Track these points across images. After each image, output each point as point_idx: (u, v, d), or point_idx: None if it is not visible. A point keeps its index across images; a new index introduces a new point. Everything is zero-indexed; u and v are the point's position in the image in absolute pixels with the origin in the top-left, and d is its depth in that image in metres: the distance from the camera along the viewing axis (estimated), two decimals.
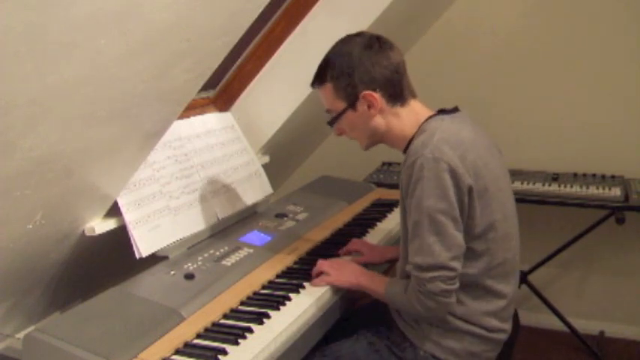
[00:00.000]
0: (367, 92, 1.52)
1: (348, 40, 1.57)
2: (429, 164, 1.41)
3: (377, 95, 1.53)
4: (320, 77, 1.58)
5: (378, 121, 1.56)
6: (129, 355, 1.34)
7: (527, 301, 2.95)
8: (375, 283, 1.61)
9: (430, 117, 1.55)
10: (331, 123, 1.62)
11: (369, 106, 1.54)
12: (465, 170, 1.42)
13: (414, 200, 1.43)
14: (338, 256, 1.91)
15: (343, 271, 1.67)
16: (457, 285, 1.43)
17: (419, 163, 1.42)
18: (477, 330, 1.51)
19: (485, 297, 1.51)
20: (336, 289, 1.69)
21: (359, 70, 1.52)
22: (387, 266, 2.02)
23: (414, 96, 1.60)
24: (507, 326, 1.58)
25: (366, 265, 1.88)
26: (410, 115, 1.57)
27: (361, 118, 1.57)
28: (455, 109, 1.60)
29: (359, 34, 1.58)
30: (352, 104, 1.55)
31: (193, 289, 1.63)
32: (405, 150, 1.57)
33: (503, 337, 1.57)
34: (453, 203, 1.40)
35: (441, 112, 1.59)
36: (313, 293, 1.65)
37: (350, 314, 1.81)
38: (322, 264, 1.70)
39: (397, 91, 1.55)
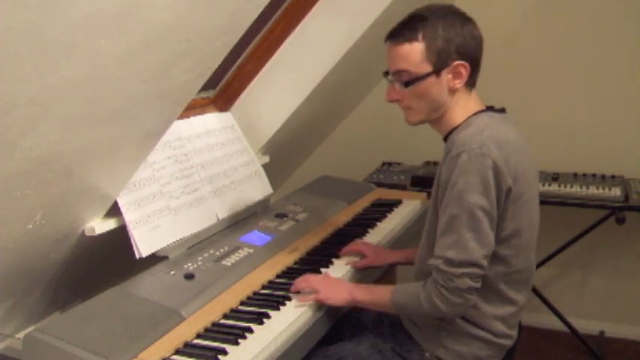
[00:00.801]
0: (460, 63, 1.46)
1: (444, 7, 1.49)
2: (476, 159, 1.38)
3: (468, 68, 1.47)
4: (411, 34, 1.46)
5: (452, 96, 1.49)
6: (129, 355, 1.34)
7: (528, 301, 2.95)
8: (375, 294, 1.57)
9: (480, 111, 1.52)
10: (408, 83, 1.47)
11: (454, 77, 1.47)
12: (508, 171, 1.40)
13: (453, 193, 1.40)
14: (338, 257, 1.90)
15: (334, 289, 1.60)
16: (479, 284, 1.42)
17: (465, 156, 1.39)
18: (484, 334, 1.50)
19: (498, 302, 1.50)
20: None
21: (458, 39, 1.45)
22: (382, 271, 2.00)
23: (475, 87, 1.56)
24: (513, 333, 1.57)
25: (366, 269, 1.88)
26: (467, 103, 1.52)
27: (439, 87, 1.47)
28: (502, 110, 1.58)
29: (450, 6, 1.50)
30: (439, 70, 1.46)
31: (193, 289, 1.63)
32: (445, 138, 1.53)
33: (508, 343, 1.56)
34: (493, 201, 1.39)
35: (489, 108, 1.56)
36: (306, 290, 1.64)
37: (353, 314, 1.80)
38: (311, 281, 1.63)
39: (476, 73, 1.51)
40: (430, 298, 1.43)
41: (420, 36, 1.45)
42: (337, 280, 1.69)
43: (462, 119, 1.51)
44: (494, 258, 1.44)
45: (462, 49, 1.46)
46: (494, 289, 1.48)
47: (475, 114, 1.51)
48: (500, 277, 1.48)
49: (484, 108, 1.55)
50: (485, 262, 1.40)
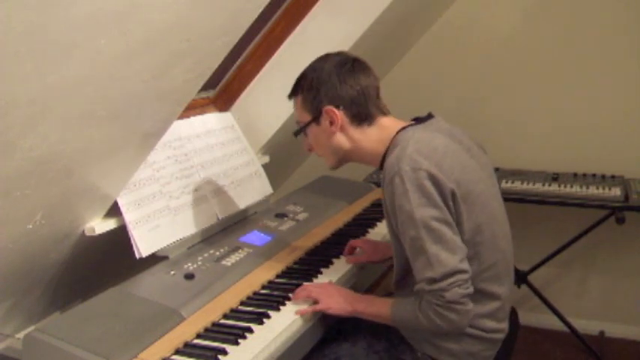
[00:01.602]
0: (329, 108, 1.55)
1: (325, 57, 1.61)
2: (408, 176, 1.40)
3: (339, 113, 1.55)
4: (294, 89, 1.63)
5: (340, 139, 1.58)
6: (129, 355, 1.34)
7: (527, 301, 2.95)
8: (375, 306, 1.57)
9: (402, 129, 1.54)
10: (296, 133, 1.66)
11: (331, 123, 1.56)
12: (445, 176, 1.41)
13: (403, 216, 1.41)
14: (338, 257, 1.90)
15: (335, 298, 1.60)
16: (472, 289, 1.41)
17: (397, 178, 1.41)
18: (474, 331, 1.51)
19: (480, 300, 1.50)
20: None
21: (326, 85, 1.55)
22: (386, 266, 2.01)
23: (385, 114, 1.60)
24: (504, 325, 1.58)
25: (365, 264, 1.89)
26: (379, 132, 1.57)
27: (324, 133, 1.59)
28: (428, 116, 1.59)
29: (338, 54, 1.62)
30: (316, 118, 1.58)
31: (193, 289, 1.63)
32: (381, 166, 1.56)
33: (500, 336, 1.56)
34: (442, 208, 1.40)
35: (416, 119, 1.59)
36: (307, 300, 1.64)
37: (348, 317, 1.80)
38: (311, 290, 1.63)
39: (362, 112, 1.56)
40: (429, 317, 1.42)
41: (299, 90, 1.61)
42: (338, 289, 1.66)
43: (384, 144, 1.55)
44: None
45: (331, 95, 1.55)
46: (475, 290, 1.48)
47: (397, 133, 1.54)
48: (475, 277, 1.47)
49: (408, 123, 1.57)
50: (464, 266, 1.40)
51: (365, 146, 1.58)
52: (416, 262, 1.43)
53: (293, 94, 1.63)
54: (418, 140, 1.47)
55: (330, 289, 1.64)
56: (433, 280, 1.39)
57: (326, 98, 1.55)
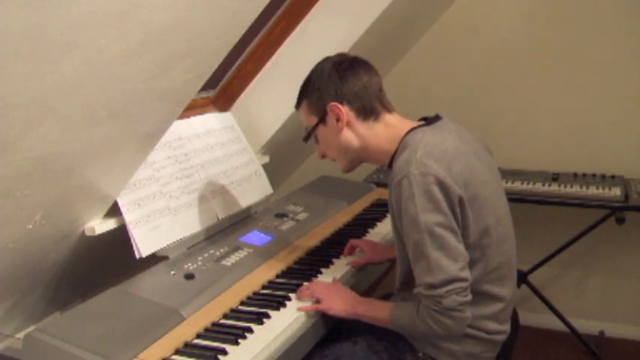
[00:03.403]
0: (333, 104, 1.55)
1: (324, 59, 1.62)
2: (416, 180, 1.39)
3: (343, 108, 1.55)
4: (299, 96, 1.64)
5: (348, 135, 1.58)
6: (129, 355, 1.34)
7: (527, 301, 2.95)
8: (375, 310, 1.57)
9: (411, 129, 1.54)
10: (305, 138, 1.66)
11: (337, 119, 1.56)
12: (453, 181, 1.41)
13: (408, 219, 1.41)
14: (338, 257, 1.90)
15: (337, 299, 1.61)
16: (470, 296, 1.42)
17: (405, 181, 1.41)
18: (476, 333, 1.51)
19: (484, 302, 1.50)
20: None
21: (327, 83, 1.56)
22: (386, 267, 2.01)
23: (389, 111, 1.60)
24: (506, 327, 1.58)
25: (365, 266, 1.88)
26: (387, 130, 1.57)
27: (332, 132, 1.59)
28: (437, 117, 1.59)
29: (337, 55, 1.63)
30: (322, 118, 1.59)
31: (193, 289, 1.63)
32: (390, 165, 1.56)
33: (502, 338, 1.56)
34: (448, 215, 1.40)
35: (424, 119, 1.59)
36: (310, 299, 1.64)
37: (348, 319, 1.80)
38: (315, 289, 1.64)
39: (367, 106, 1.56)
40: (426, 322, 1.43)
41: (303, 95, 1.62)
42: (341, 290, 1.67)
43: (393, 144, 1.55)
44: (470, 263, 1.44)
45: (333, 92, 1.56)
46: (479, 291, 1.48)
47: (407, 134, 1.53)
48: (480, 279, 1.48)
49: (416, 123, 1.57)
50: (465, 274, 1.40)
51: (373, 143, 1.58)
52: (417, 266, 1.43)
53: (299, 102, 1.64)
54: (428, 143, 1.46)
55: (333, 290, 1.65)
56: (432, 286, 1.39)
57: (329, 96, 1.56)
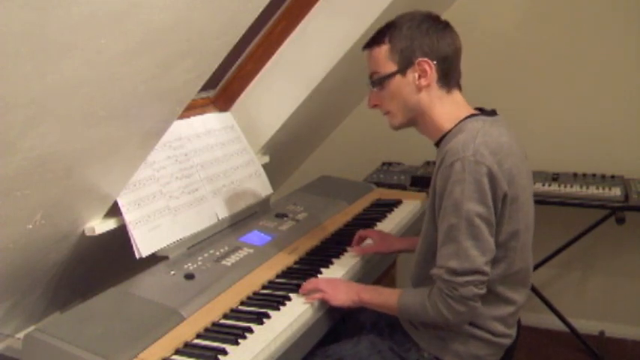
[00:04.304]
0: (424, 59, 1.48)
1: (417, 12, 1.54)
2: (470, 167, 1.38)
3: (433, 66, 1.49)
4: (379, 38, 1.53)
5: (423, 96, 1.51)
6: (129, 355, 1.34)
7: (528, 301, 2.94)
8: (382, 296, 1.57)
9: (470, 115, 1.52)
10: (376, 83, 1.54)
11: (420, 76, 1.50)
12: (503, 176, 1.40)
13: (450, 202, 1.40)
14: (338, 257, 1.90)
15: (341, 288, 1.62)
16: (485, 290, 1.42)
17: (459, 164, 1.39)
18: (482, 334, 1.50)
19: (496, 303, 1.50)
20: None
21: (422, 38, 1.49)
22: (389, 263, 2.01)
23: (459, 88, 1.57)
24: (512, 332, 1.57)
25: (373, 256, 1.88)
26: (452, 106, 1.53)
27: (407, 87, 1.51)
28: (493, 112, 1.57)
29: (427, 12, 1.55)
30: (404, 69, 1.50)
31: (193, 289, 1.63)
32: (438, 143, 1.54)
33: (507, 342, 1.56)
34: (490, 208, 1.39)
35: (480, 110, 1.57)
36: (314, 292, 1.65)
37: (352, 314, 1.80)
38: (318, 282, 1.65)
39: (450, 74, 1.52)
40: (436, 306, 1.43)
41: (386, 39, 1.52)
42: (344, 281, 1.69)
43: (451, 124, 1.52)
44: (493, 261, 1.44)
45: (427, 47, 1.49)
46: (493, 292, 1.48)
47: (465, 119, 1.51)
48: (498, 280, 1.48)
49: (474, 112, 1.55)
50: (487, 269, 1.40)
51: (436, 114, 1.52)
52: (444, 248, 1.42)
53: (376, 42, 1.53)
54: (486, 133, 1.45)
55: (336, 281, 1.67)
56: (454, 272, 1.39)
57: (421, 50, 1.48)
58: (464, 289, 1.39)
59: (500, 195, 1.40)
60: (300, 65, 2.39)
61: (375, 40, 1.54)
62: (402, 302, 1.51)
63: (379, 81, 1.54)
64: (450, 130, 1.51)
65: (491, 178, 1.39)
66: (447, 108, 1.53)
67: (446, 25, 1.53)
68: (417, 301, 1.48)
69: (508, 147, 1.45)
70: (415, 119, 1.56)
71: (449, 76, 1.52)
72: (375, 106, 1.59)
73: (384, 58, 1.52)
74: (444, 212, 1.42)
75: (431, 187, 1.52)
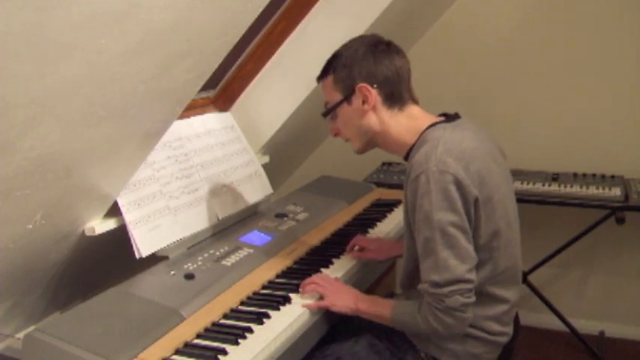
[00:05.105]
0: (363, 85, 1.52)
1: (359, 37, 1.59)
2: (434, 177, 1.39)
3: (373, 91, 1.52)
4: (325, 69, 1.59)
5: (372, 119, 1.55)
6: (129, 355, 1.34)
7: (527, 301, 2.95)
8: (378, 307, 1.57)
9: (432, 125, 1.53)
10: (325, 114, 1.62)
11: (364, 101, 1.53)
12: (470, 181, 1.40)
13: (421, 215, 1.41)
14: (338, 257, 1.90)
15: (340, 296, 1.62)
16: (474, 298, 1.42)
17: (423, 177, 1.40)
18: (478, 333, 1.51)
19: (488, 303, 1.50)
20: None
21: (360, 64, 1.53)
22: (387, 265, 2.01)
23: (414, 102, 1.58)
24: (509, 329, 1.58)
25: (369, 262, 1.89)
26: (409, 121, 1.55)
27: (355, 113, 1.55)
28: (456, 116, 1.58)
29: (372, 35, 1.59)
30: (348, 97, 1.55)
31: (193, 289, 1.63)
32: (406, 157, 1.56)
33: (504, 339, 1.56)
34: (462, 215, 1.39)
35: (443, 116, 1.58)
36: (313, 293, 1.65)
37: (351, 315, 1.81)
38: (318, 285, 1.65)
39: (395, 93, 1.54)
40: (427, 320, 1.43)
41: (331, 69, 1.57)
42: (344, 286, 1.67)
43: (413, 136, 1.53)
44: (478, 264, 1.44)
45: (365, 72, 1.52)
46: (484, 292, 1.48)
47: (427, 128, 1.52)
48: (487, 281, 1.48)
49: (436, 119, 1.56)
50: (471, 276, 1.40)
51: (393, 132, 1.55)
52: (424, 262, 1.43)
53: (323, 74, 1.60)
54: (448, 140, 1.45)
55: (336, 286, 1.66)
56: (436, 284, 1.39)
57: (360, 76, 1.53)
58: (449, 300, 1.38)
59: (470, 200, 1.40)
60: (300, 65, 2.39)
61: (323, 71, 1.60)
62: (395, 316, 1.52)
63: (329, 111, 1.60)
64: (414, 144, 1.53)
65: (458, 184, 1.39)
66: (404, 124, 1.55)
67: (386, 47, 1.55)
68: (409, 315, 1.48)
69: (472, 150, 1.45)
70: (373, 141, 1.60)
71: (395, 96, 1.54)
72: (336, 135, 1.64)
73: (330, 88, 1.58)
74: (418, 226, 1.43)
75: (403, 201, 1.54)
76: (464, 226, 1.40)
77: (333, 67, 1.57)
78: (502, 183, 1.51)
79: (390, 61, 1.53)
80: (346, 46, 1.58)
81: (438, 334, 1.45)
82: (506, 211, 1.51)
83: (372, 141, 1.60)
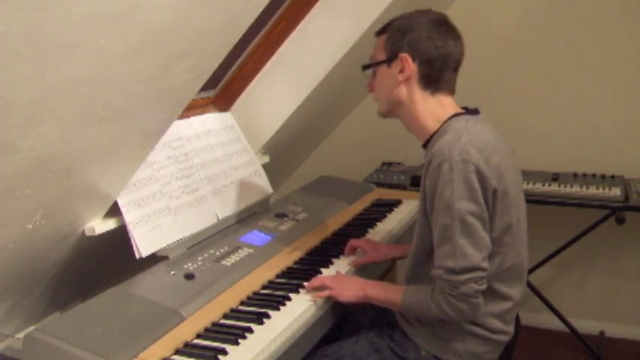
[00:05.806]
0: (405, 55, 1.52)
1: (429, 10, 1.58)
2: (457, 166, 1.39)
3: (412, 65, 1.52)
4: (384, 27, 1.60)
5: (402, 91, 1.55)
6: (129, 355, 1.34)
7: (527, 301, 2.95)
8: (387, 292, 1.58)
9: (454, 115, 1.53)
10: (364, 67, 1.63)
11: (401, 70, 1.53)
12: (491, 173, 1.42)
13: (441, 203, 1.42)
14: (338, 257, 1.90)
15: (347, 285, 1.64)
16: (486, 285, 1.43)
17: (447, 165, 1.41)
18: (480, 331, 1.51)
19: (492, 299, 1.51)
20: None
21: (412, 35, 1.52)
22: (387, 266, 2.01)
23: (450, 92, 1.58)
24: (510, 328, 1.58)
25: (367, 265, 1.89)
26: (436, 107, 1.55)
27: (390, 78, 1.56)
28: (476, 110, 1.59)
29: (441, 14, 1.58)
30: (390, 60, 1.55)
31: (193, 289, 1.63)
32: (425, 145, 1.56)
33: (505, 338, 1.57)
34: (482, 205, 1.40)
35: (465, 109, 1.58)
36: (320, 286, 1.65)
37: (351, 314, 1.81)
38: (324, 278, 1.67)
39: (432, 76, 1.53)
40: (439, 305, 1.44)
41: (388, 30, 1.58)
42: (349, 276, 1.72)
43: (435, 125, 1.54)
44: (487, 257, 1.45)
45: (415, 45, 1.52)
46: (489, 288, 1.49)
47: (449, 119, 1.53)
48: (493, 276, 1.49)
49: (458, 111, 1.56)
50: (485, 264, 1.42)
51: (419, 112, 1.55)
52: (440, 248, 1.44)
53: (381, 31, 1.60)
54: (471, 132, 1.46)
55: (341, 277, 1.69)
56: (452, 271, 1.40)
57: (407, 46, 1.53)
58: (464, 287, 1.40)
59: (490, 191, 1.42)
60: (300, 65, 2.39)
61: (382, 28, 1.61)
62: (406, 299, 1.52)
63: (368, 66, 1.62)
64: (435, 132, 1.53)
65: (480, 175, 1.40)
66: (431, 109, 1.55)
67: (445, 30, 1.54)
68: (420, 299, 1.49)
69: (493, 144, 1.47)
70: (397, 111, 1.60)
71: (431, 78, 1.54)
72: (370, 90, 1.65)
73: (380, 46, 1.59)
74: (437, 214, 1.44)
75: (421, 189, 1.54)
76: (483, 216, 1.41)
77: (391, 27, 1.57)
78: (516, 181, 1.53)
79: (443, 43, 1.53)
80: (411, 14, 1.57)
81: (449, 319, 1.46)
82: (519, 208, 1.53)
83: (396, 110, 1.60)
